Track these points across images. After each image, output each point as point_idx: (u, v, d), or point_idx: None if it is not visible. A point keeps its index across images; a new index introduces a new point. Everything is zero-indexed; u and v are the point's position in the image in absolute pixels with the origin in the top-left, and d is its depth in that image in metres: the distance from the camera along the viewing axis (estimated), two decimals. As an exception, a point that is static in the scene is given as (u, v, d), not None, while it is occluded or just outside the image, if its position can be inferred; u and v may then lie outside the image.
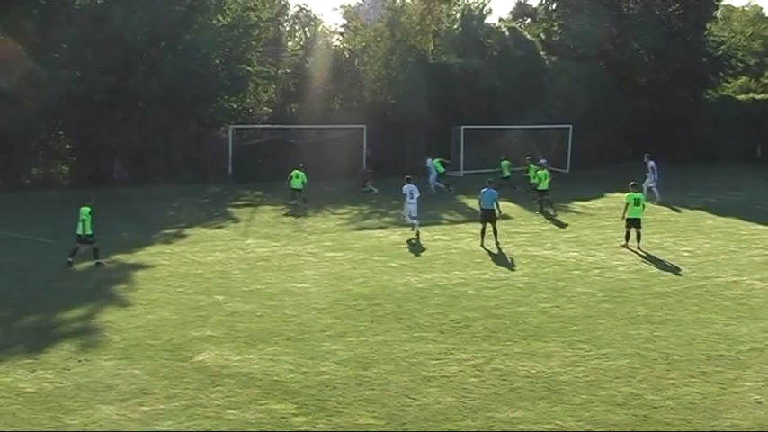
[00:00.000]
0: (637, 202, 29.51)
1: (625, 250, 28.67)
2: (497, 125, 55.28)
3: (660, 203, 41.03)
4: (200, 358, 16.72)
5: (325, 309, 20.72)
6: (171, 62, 48.81)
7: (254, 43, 54.91)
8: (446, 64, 59.10)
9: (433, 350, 17.23)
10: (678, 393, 14.84)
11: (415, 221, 32.64)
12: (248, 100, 55.91)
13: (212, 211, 39.22)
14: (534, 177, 41.01)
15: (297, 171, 41.07)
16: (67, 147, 51.63)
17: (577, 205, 41.28)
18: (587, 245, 30.03)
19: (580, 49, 64.14)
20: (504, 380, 15.49)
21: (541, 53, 62.28)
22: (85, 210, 25.98)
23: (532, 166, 43.49)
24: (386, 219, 37.02)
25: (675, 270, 25.57)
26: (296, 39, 65.24)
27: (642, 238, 29.42)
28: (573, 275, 24.77)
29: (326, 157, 49.99)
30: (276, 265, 26.23)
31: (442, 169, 46.59)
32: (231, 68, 52.54)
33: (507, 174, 46.86)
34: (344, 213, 38.45)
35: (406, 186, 33.36)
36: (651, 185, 42.80)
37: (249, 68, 53.81)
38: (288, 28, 64.83)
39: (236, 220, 36.50)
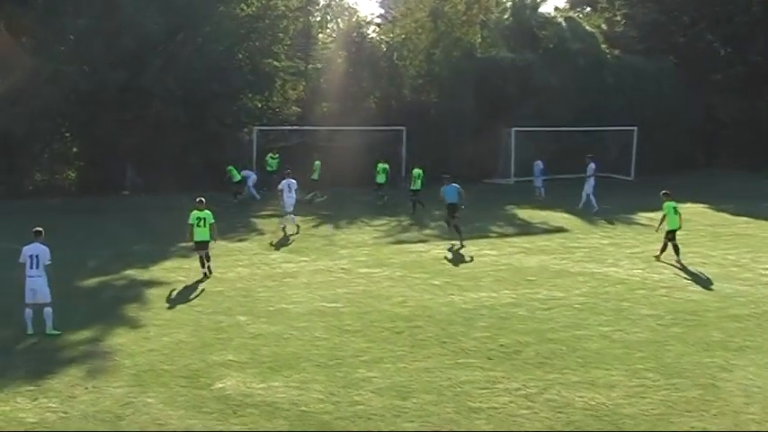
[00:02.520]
0: (675, 211, 29.73)
1: (698, 266, 28.48)
2: (552, 126, 55.14)
3: (595, 215, 41.35)
4: (221, 386, 16.78)
5: (360, 331, 20.72)
6: (189, 56, 49.11)
7: (281, 35, 55.12)
8: (495, 58, 59.02)
9: (480, 378, 17.17)
10: (759, 430, 14.68)
11: (291, 216, 36.10)
12: (274, 98, 56.11)
13: (234, 221, 39.33)
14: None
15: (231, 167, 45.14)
16: (74, 150, 52.06)
17: (643, 216, 40.97)
18: (653, 261, 29.82)
19: (646, 41, 63.82)
20: (560, 412, 15.41)
21: (602, 46, 62.04)
22: (206, 213, 27.27)
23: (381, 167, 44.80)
24: (427, 231, 36.99)
25: (754, 291, 25.33)
26: (328, 31, 65.42)
27: (697, 251, 29.16)
28: (637, 295, 24.61)
29: (361, 162, 50.01)
30: (305, 283, 26.28)
31: (383, 180, 45.98)
32: (256, 63, 52.79)
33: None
34: (381, 225, 38.46)
35: (284, 181, 36.60)
36: (589, 192, 42.57)
37: (276, 63, 54.02)
38: (319, 18, 65.02)
39: (260, 233, 36.62)
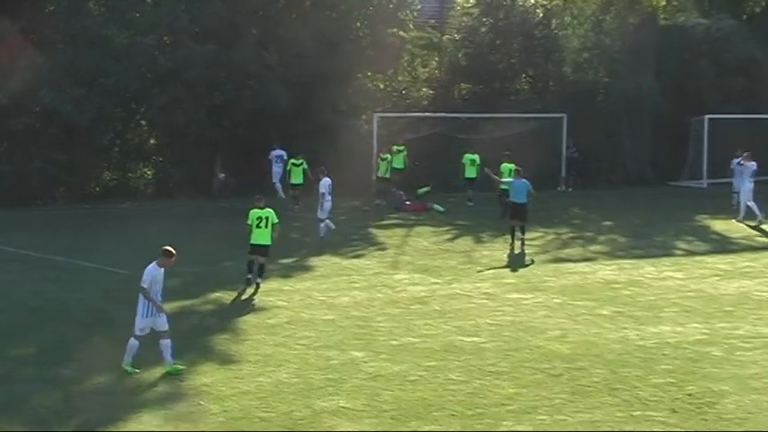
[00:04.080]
0: None
1: None
2: (759, 113, 54.24)
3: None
4: (331, 439, 16.89)
5: (506, 373, 20.65)
6: (292, 26, 49.49)
7: (409, -1, 55.35)
8: (684, 26, 58.42)
9: (662, 436, 17.00)
10: None
11: (328, 222, 37.00)
12: (400, 78, 56.29)
13: (349, 232, 39.57)
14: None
15: (297, 160, 44.92)
16: (152, 142, 52.87)
17: None
18: None
19: None
20: (767, 484, 15.18)
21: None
22: (268, 211, 28.74)
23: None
24: (594, 246, 36.75)
25: None
26: (469, -9, 65.49)
27: None
28: None
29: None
30: (437, 311, 26.30)
31: (474, 174, 47.17)
32: (377, 34, 52.92)
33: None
34: (534, 238, 38.28)
35: (325, 181, 37.06)
36: (747, 200, 41.76)
37: (402, 34, 54.13)
38: (458, -24, 65.16)
39: (381, 247, 36.76)
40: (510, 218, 36.46)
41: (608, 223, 42.40)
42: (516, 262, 33.69)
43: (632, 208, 46.95)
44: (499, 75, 57.27)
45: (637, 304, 27.16)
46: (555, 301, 27.53)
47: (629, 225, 41.58)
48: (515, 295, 28.27)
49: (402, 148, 49.22)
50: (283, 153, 47.90)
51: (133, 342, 20.56)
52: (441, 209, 45.15)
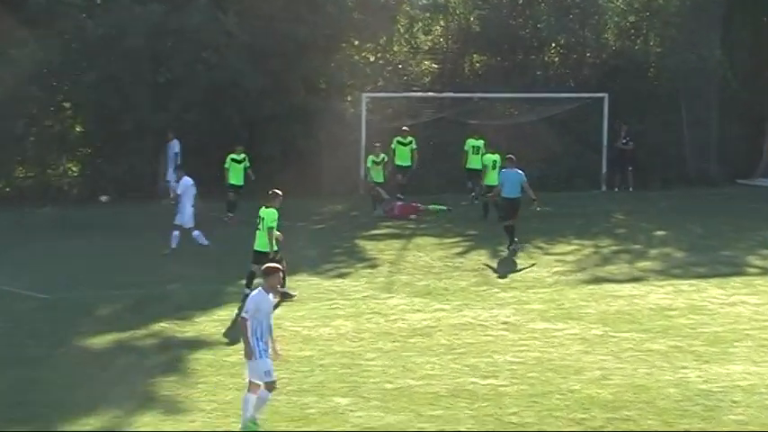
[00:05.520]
0: None
1: None
2: None
3: None
4: None
5: (532, 425, 20.68)
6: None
7: (406, -54, 55.54)
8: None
9: (732, 506, 17.06)
10: None
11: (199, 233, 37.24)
12: (395, 48, 56.33)
13: (331, 244, 39.60)
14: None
15: (238, 154, 44.22)
16: (78, 129, 52.80)
17: None
18: None
19: None
20: None
21: None
22: (266, 211, 29.45)
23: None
24: (644, 263, 36.80)
25: None
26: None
27: None
28: None
29: (536, 149, 49.89)
30: (443, 345, 26.33)
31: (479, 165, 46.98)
32: (366, -9, 53.17)
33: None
34: (568, 251, 38.39)
35: (187, 181, 37.28)
36: None
37: (397, -9, 54.30)
38: None
39: (372, 263, 36.77)
40: (503, 217, 37.56)
41: (661, 233, 42.44)
42: (546, 283, 33.75)
43: (692, 214, 46.94)
44: (522, 44, 57.31)
45: (699, 337, 27.22)
46: (593, 332, 27.59)
47: (688, 236, 41.66)
48: (543, 325, 28.33)
49: (410, 140, 48.65)
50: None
51: (249, 396, 19.69)
52: (442, 207, 45.45)
